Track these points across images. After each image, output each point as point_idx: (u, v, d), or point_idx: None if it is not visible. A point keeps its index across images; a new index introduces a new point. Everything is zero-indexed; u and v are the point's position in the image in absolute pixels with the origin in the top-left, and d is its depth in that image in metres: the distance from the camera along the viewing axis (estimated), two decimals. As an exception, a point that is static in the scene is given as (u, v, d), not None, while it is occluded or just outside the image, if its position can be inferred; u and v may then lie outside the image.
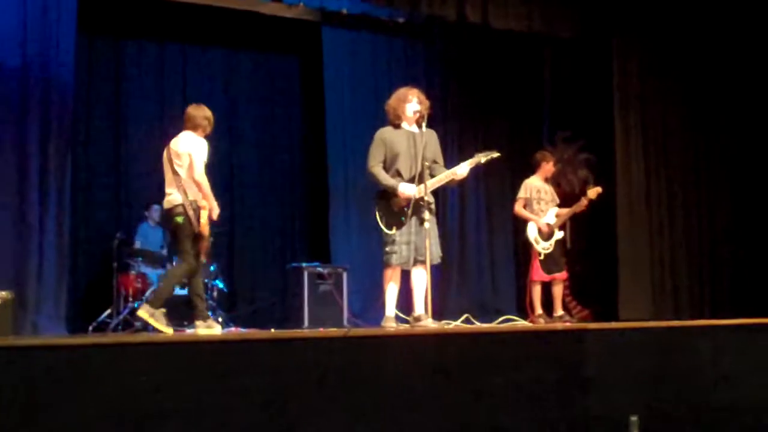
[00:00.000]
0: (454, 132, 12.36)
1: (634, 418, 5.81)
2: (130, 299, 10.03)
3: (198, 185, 7.65)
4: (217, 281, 10.44)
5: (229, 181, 11.92)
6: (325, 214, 11.51)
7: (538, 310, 9.85)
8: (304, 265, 10.37)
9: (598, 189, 10.00)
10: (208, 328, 7.50)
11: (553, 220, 9.92)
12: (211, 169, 11.68)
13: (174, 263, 9.21)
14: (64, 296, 9.84)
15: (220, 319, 10.08)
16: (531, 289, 10.01)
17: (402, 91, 7.71)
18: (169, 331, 7.37)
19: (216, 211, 7.74)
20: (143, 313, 7.40)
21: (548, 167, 10.19)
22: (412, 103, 7.58)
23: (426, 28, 12.27)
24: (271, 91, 12.42)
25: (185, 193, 7.58)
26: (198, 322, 7.56)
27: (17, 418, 4.13)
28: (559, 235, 9.92)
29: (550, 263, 9.88)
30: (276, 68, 12.49)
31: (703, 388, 6.20)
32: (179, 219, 7.53)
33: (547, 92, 13.27)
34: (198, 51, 12.02)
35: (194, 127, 7.90)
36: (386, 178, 7.42)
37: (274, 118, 12.34)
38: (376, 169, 7.47)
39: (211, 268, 10.31)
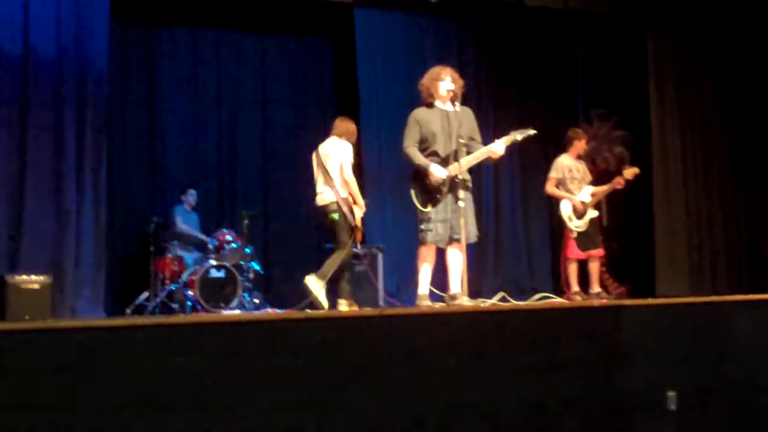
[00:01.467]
0: (489, 111, 12.29)
1: (671, 394, 5.80)
2: (167, 282, 10.11)
3: (346, 184, 8.42)
4: (253, 263, 10.48)
5: (263, 164, 11.98)
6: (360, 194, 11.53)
7: (575, 288, 9.80)
8: (339, 246, 10.38)
9: (636, 170, 9.92)
10: (350, 306, 8.29)
11: (588, 199, 9.86)
12: (247, 153, 11.84)
13: None
14: (102, 280, 9.94)
15: (256, 301, 10.16)
16: (566, 267, 9.97)
17: (435, 70, 7.71)
18: (325, 306, 8.11)
19: (363, 208, 8.62)
20: (312, 282, 8.15)
21: (580, 145, 10.08)
22: (445, 82, 7.57)
23: (459, 8, 12.19)
24: (304, 73, 12.41)
25: (338, 192, 8.38)
26: (341, 300, 8.35)
27: (55, 399, 4.18)
28: (593, 213, 9.85)
29: (586, 241, 9.83)
30: (309, 51, 12.47)
31: (741, 363, 6.17)
32: (334, 215, 8.36)
33: (581, 71, 13.16)
34: (230, 36, 12.04)
35: (340, 134, 8.64)
36: (419, 158, 7.43)
37: (307, 100, 12.33)
38: (411, 149, 7.48)
39: (247, 250, 10.37)
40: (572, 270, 9.93)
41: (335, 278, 8.37)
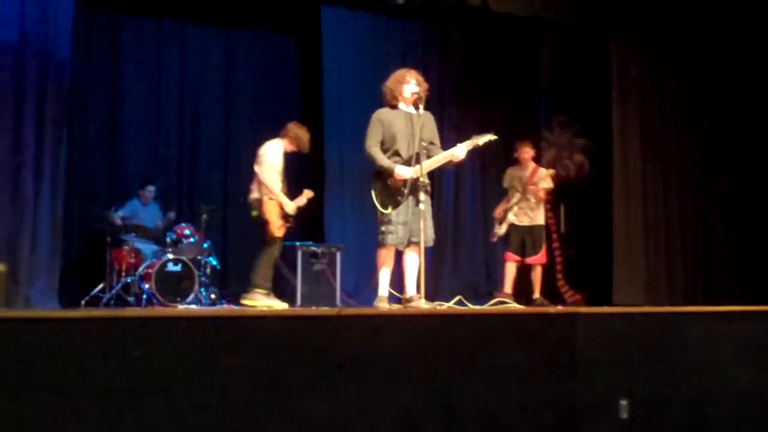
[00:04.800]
0: (451, 114, 12.32)
1: (623, 402, 5.83)
2: (123, 274, 10.05)
3: (263, 185, 8.94)
4: (210, 258, 10.45)
5: (225, 159, 11.92)
6: (320, 193, 11.50)
7: (507, 289, 10.02)
8: (297, 244, 10.34)
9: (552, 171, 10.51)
10: (267, 297, 8.78)
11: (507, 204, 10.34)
12: (207, 147, 11.80)
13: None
14: (57, 270, 9.81)
15: (213, 296, 10.12)
16: (504, 267, 10.39)
17: (400, 73, 7.72)
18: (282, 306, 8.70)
19: (288, 206, 8.99)
20: (249, 301, 8.76)
21: (523, 155, 10.52)
22: (410, 85, 7.59)
23: (425, 10, 12.19)
24: (269, 70, 12.37)
25: (260, 190, 8.96)
26: (258, 291, 8.80)
27: (6, 392, 4.13)
28: (512, 219, 10.24)
29: (526, 246, 10.18)
30: (274, 48, 12.43)
31: (693, 374, 6.21)
32: (254, 213, 9.00)
33: (544, 77, 13.18)
34: (196, 28, 11.97)
35: (286, 138, 9.24)
36: (383, 159, 7.43)
37: (271, 97, 12.27)
38: (374, 149, 7.48)
39: (205, 245, 10.32)
40: (507, 270, 10.30)
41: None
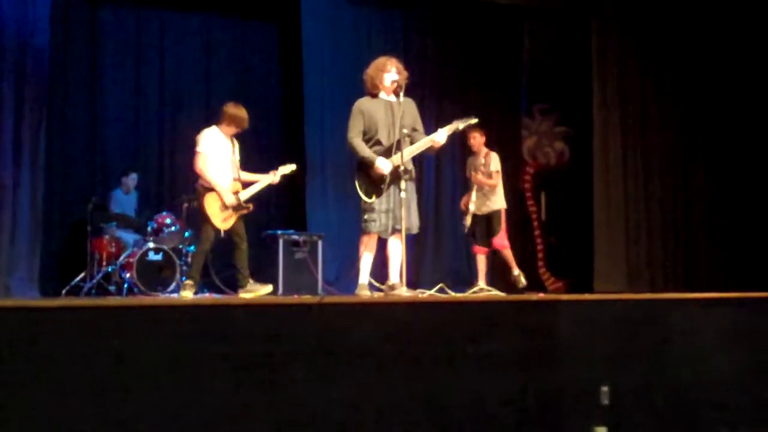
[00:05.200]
0: (432, 102, 12.32)
1: (604, 389, 5.85)
2: (104, 263, 10.01)
3: (200, 176, 8.53)
4: (191, 247, 10.40)
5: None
6: (301, 182, 11.48)
7: (481, 283, 9.99)
8: (279, 232, 10.35)
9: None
10: (192, 289, 8.43)
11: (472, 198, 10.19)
12: (188, 136, 11.73)
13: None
14: (38, 259, 9.81)
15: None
16: (476, 260, 10.34)
17: (380, 61, 7.71)
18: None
19: (227, 198, 8.47)
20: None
21: (471, 142, 10.30)
22: (390, 73, 7.59)
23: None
24: (250, 58, 12.32)
25: (198, 180, 8.56)
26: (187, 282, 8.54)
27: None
28: (471, 209, 10.12)
29: (483, 236, 10.14)
30: (255, 36, 12.38)
31: (674, 361, 6.23)
32: (194, 203, 8.75)
33: (525, 64, 13.22)
34: (176, 16, 11.90)
35: (223, 122, 8.71)
36: (364, 150, 7.43)
37: (252, 85, 12.20)
38: (356, 140, 7.49)
39: (186, 234, 10.29)
40: (479, 264, 10.24)
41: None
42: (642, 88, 12.45)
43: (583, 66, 12.21)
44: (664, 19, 12.32)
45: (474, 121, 7.80)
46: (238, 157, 8.78)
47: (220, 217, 8.42)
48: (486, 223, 10.11)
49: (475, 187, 10.08)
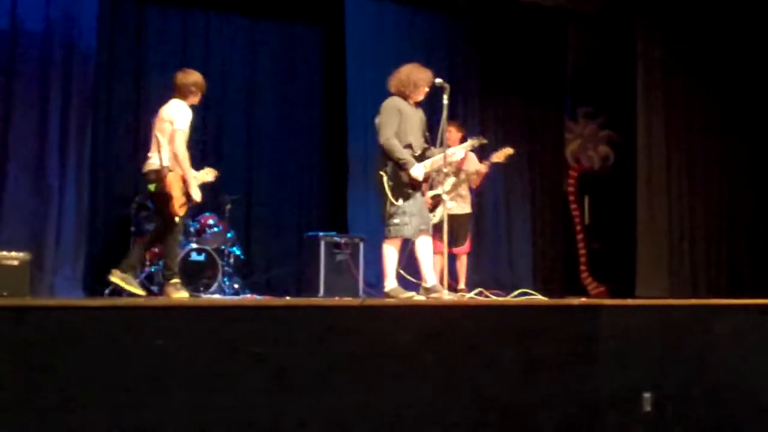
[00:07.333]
0: (475, 106, 12.27)
1: (647, 395, 5.81)
2: (147, 263, 10.06)
3: (175, 156, 7.79)
4: (234, 248, 10.45)
5: (249, 150, 11.90)
6: (343, 184, 11.49)
7: (460, 283, 9.64)
8: (320, 234, 10.37)
9: (508, 151, 9.34)
10: (123, 282, 7.99)
11: (440, 191, 9.14)
12: (231, 137, 11.75)
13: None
14: (82, 259, 9.89)
15: (236, 286, 10.12)
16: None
17: (427, 75, 7.75)
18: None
19: (192, 188, 7.84)
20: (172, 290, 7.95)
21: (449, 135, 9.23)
22: (426, 90, 7.76)
23: (451, 0, 12.19)
24: (293, 60, 12.33)
25: (162, 159, 7.77)
26: (114, 271, 8.06)
27: (30, 378, 4.15)
28: (450, 205, 9.24)
29: (452, 236, 9.10)
30: (299, 38, 12.38)
31: (717, 367, 6.18)
32: (151, 186, 7.90)
33: (569, 68, 13.16)
34: (221, 17, 11.93)
35: (178, 94, 8.08)
36: (402, 152, 7.46)
37: (296, 87, 12.25)
38: (394, 141, 7.49)
39: (228, 234, 10.32)
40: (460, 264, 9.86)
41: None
42: (687, 92, 12.36)
43: (627, 70, 12.14)
44: (709, 23, 12.22)
45: (484, 141, 7.98)
46: None
47: (180, 201, 7.81)
48: (457, 223, 9.56)
49: (450, 184, 9.37)
